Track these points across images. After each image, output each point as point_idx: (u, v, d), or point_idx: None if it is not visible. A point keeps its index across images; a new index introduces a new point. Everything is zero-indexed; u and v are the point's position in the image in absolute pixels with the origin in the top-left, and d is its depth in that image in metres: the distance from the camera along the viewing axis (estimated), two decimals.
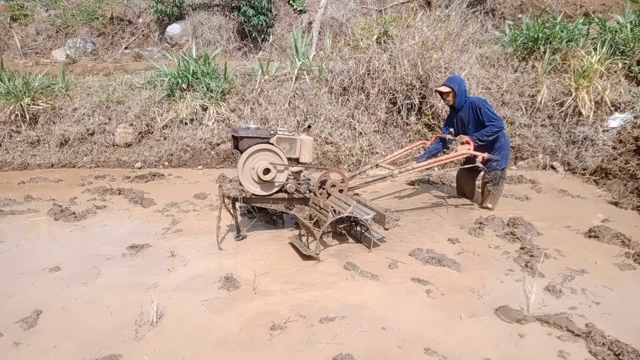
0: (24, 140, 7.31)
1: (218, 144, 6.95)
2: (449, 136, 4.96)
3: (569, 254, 3.79)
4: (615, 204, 5.03)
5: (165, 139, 7.15)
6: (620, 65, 6.68)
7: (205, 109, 7.14)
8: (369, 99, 6.92)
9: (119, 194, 5.60)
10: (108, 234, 4.36)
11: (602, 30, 7.11)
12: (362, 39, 7.18)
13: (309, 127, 4.14)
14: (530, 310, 2.88)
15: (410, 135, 6.73)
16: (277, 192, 4.01)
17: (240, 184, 3.92)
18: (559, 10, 9.15)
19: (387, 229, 3.89)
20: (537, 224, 4.36)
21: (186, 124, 7.13)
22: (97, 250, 3.94)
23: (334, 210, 3.83)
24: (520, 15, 9.55)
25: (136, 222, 4.70)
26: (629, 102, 6.38)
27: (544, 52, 6.91)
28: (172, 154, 6.99)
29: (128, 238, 4.17)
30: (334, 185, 4.05)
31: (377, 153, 6.59)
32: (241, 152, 3.86)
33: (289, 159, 4.00)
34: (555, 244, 3.95)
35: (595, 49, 6.71)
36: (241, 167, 3.85)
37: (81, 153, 7.20)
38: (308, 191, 4.11)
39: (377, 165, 4.86)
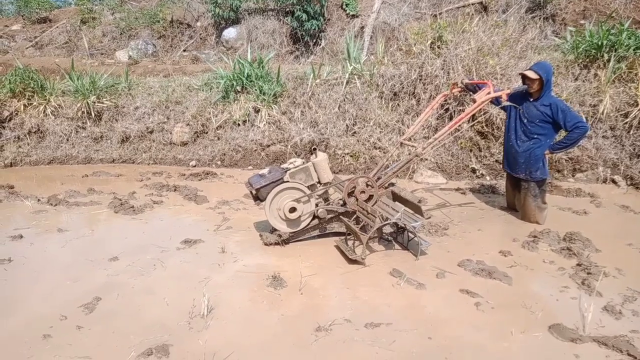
0: (88, 136, 7.82)
1: (268, 146, 7.12)
2: (466, 80, 4.69)
3: (631, 273, 3.57)
4: None
5: (218, 139, 7.42)
6: None
7: (257, 111, 7.34)
8: (419, 104, 6.84)
9: (175, 190, 5.86)
10: (164, 228, 4.58)
11: None
12: (415, 44, 7.11)
13: (315, 149, 4.17)
14: (586, 330, 2.76)
15: (462, 143, 6.59)
16: (311, 221, 4.09)
17: (275, 229, 4.04)
18: (626, 16, 8.64)
19: (428, 218, 3.82)
20: (595, 240, 4.13)
21: (239, 125, 7.36)
22: (154, 243, 4.15)
23: (382, 216, 3.83)
24: (582, 21, 9.10)
25: (190, 218, 4.91)
26: None
27: (608, 60, 6.54)
28: (224, 154, 7.25)
29: (182, 233, 4.37)
30: (363, 192, 4.02)
31: (427, 160, 6.51)
32: (262, 201, 3.98)
33: (310, 186, 4.06)
34: (616, 262, 3.73)
35: None
36: (269, 214, 3.97)
37: (140, 150, 7.62)
38: (341, 206, 4.13)
39: (401, 144, 4.72)
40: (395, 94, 7.06)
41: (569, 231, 4.29)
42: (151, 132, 7.71)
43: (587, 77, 6.73)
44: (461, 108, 6.43)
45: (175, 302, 3.13)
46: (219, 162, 7.23)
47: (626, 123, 6.24)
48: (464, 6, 10.34)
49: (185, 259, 3.84)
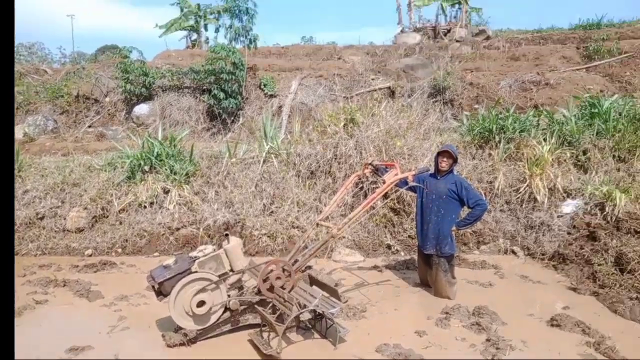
0: None
1: (178, 229, 6.70)
2: (376, 162, 5.01)
3: (534, 344, 3.82)
4: (574, 289, 5.10)
5: (121, 223, 6.85)
6: (568, 154, 7.14)
7: (167, 191, 6.99)
8: (336, 182, 7.03)
9: (64, 285, 5.23)
10: (46, 335, 4.06)
11: (551, 122, 7.68)
12: (329, 125, 7.44)
13: (227, 235, 4.07)
14: None
15: (376, 220, 6.78)
16: (222, 314, 3.81)
17: (181, 327, 3.70)
18: (511, 102, 9.89)
19: (346, 301, 3.77)
20: (501, 313, 4.36)
21: (145, 207, 6.91)
22: (32, 353, 3.61)
23: (299, 303, 3.68)
24: (476, 106, 10.24)
25: (79, 319, 4.40)
26: (579, 189, 6.73)
27: (499, 142, 7.32)
28: (127, 240, 6.65)
29: (68, 339, 3.85)
30: (279, 278, 3.88)
31: (344, 237, 6.56)
32: (166, 296, 3.65)
33: (222, 275, 3.82)
34: (520, 334, 3.96)
35: (545, 139, 7.17)
36: (174, 311, 3.63)
37: (27, 239, 6.72)
38: (256, 294, 3.91)
39: (317, 225, 4.73)
40: (312, 173, 7.21)
41: (477, 305, 4.48)
42: (41, 218, 6.93)
43: (482, 157, 7.43)
44: (375, 186, 6.68)
45: None
46: (119, 250, 6.60)
47: (518, 197, 6.86)
48: (373, 90, 11.22)
49: None
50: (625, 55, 11.91)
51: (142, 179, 7.10)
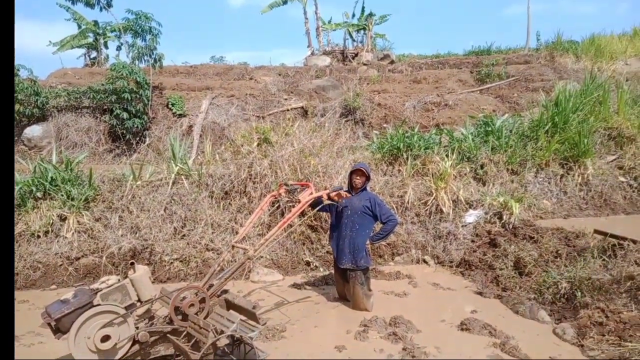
0: None
1: (77, 258, 6.11)
2: (291, 182, 5.11)
3: (446, 349, 4.00)
4: (480, 293, 5.42)
5: None
6: (468, 169, 7.73)
7: (63, 219, 6.36)
8: (251, 202, 6.88)
9: None
10: None
11: (451, 139, 8.27)
12: (242, 145, 7.30)
13: (132, 263, 3.81)
14: None
15: (294, 237, 6.73)
16: (130, 347, 3.48)
17: None
18: (416, 122, 10.51)
19: (264, 324, 3.68)
20: (416, 321, 4.52)
21: (39, 237, 6.22)
22: None
23: (216, 329, 3.47)
24: (385, 125, 10.73)
25: None
26: (479, 200, 7.29)
27: (407, 158, 7.71)
28: (17, 273, 5.91)
29: None
30: (192, 305, 3.66)
31: (262, 257, 6.41)
32: (64, 333, 3.28)
33: (128, 306, 3.52)
34: (434, 340, 4.13)
35: (447, 156, 7.69)
36: (75, 348, 3.24)
37: None
38: (168, 323, 3.62)
39: (233, 247, 4.61)
40: (226, 193, 7.00)
41: (394, 315, 4.61)
42: None
43: (393, 172, 7.76)
44: (292, 204, 6.65)
45: None
46: None
47: (427, 210, 7.24)
48: (286, 110, 11.27)
49: None
50: (513, 78, 13.32)
51: (34, 206, 6.38)
